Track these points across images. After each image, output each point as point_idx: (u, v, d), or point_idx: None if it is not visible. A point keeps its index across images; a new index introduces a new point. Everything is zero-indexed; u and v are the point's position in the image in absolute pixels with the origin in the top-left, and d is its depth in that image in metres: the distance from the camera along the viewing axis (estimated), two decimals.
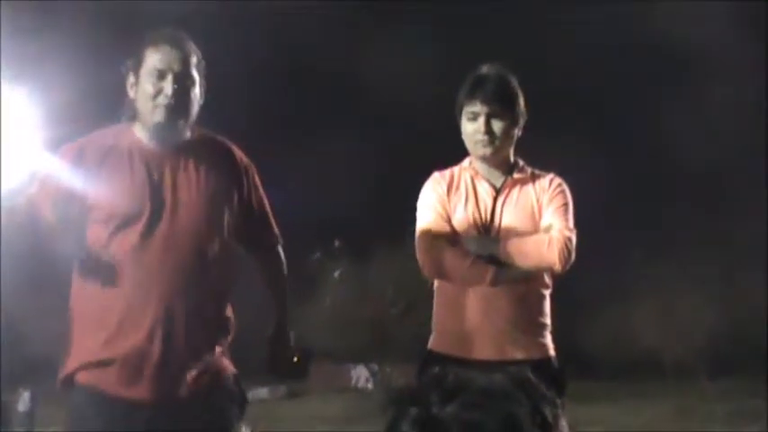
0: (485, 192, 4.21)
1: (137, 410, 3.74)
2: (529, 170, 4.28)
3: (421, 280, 4.43)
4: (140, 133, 3.88)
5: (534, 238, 4.14)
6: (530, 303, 4.18)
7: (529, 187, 4.23)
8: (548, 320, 4.24)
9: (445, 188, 4.23)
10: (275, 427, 30.23)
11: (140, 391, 3.75)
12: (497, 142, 4.16)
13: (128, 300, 3.75)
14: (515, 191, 4.22)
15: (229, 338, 4.02)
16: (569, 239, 4.13)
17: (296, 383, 45.43)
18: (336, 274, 42.59)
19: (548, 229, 4.15)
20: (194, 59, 3.88)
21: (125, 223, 3.76)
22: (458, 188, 4.23)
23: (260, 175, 4.11)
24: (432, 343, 4.27)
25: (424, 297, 4.56)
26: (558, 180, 4.28)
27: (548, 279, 4.24)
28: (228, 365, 3.97)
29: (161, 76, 3.80)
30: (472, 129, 4.17)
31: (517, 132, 4.24)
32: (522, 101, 4.25)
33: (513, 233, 4.15)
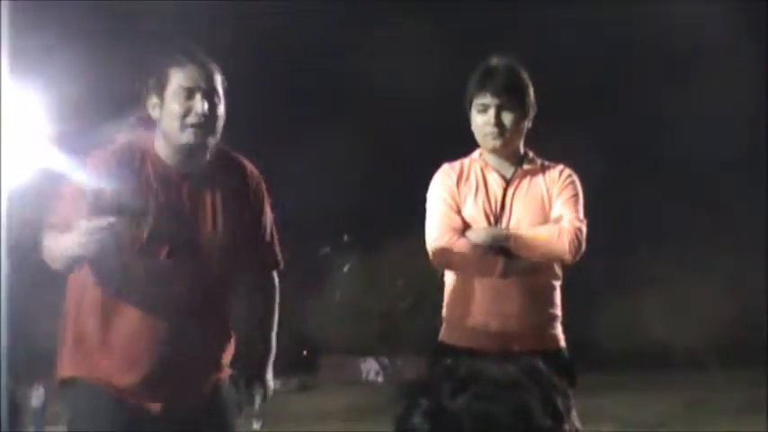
0: (495, 183, 4.20)
1: (143, 414, 3.76)
2: (539, 161, 4.27)
3: (431, 272, 4.42)
4: (162, 150, 3.82)
5: (544, 228, 4.13)
6: (540, 294, 4.17)
7: (539, 178, 4.22)
8: (558, 311, 4.23)
9: (455, 180, 4.22)
10: (286, 419, 30.27)
11: (148, 396, 3.77)
12: (507, 134, 4.15)
13: (139, 309, 3.75)
14: (525, 182, 4.21)
15: (232, 350, 4.05)
16: (579, 230, 4.12)
17: (307, 376, 45.56)
18: (346, 268, 42.64)
19: (558, 220, 4.14)
20: (219, 77, 3.82)
21: (144, 240, 3.72)
22: (468, 180, 4.22)
23: (269, 183, 4.09)
24: (442, 335, 4.26)
25: (434, 289, 4.56)
26: (568, 171, 4.27)
27: (558, 270, 4.23)
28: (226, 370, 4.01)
29: (189, 95, 3.73)
30: (482, 121, 4.15)
31: (527, 124, 4.23)
32: (532, 92, 4.24)
33: (523, 224, 4.14)
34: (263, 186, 4.04)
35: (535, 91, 4.27)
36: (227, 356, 4.01)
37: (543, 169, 4.25)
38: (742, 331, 38.28)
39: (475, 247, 4.10)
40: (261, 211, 4.02)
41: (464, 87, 4.24)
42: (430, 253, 4.19)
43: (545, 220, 4.17)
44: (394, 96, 49.76)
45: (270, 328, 4.10)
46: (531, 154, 4.29)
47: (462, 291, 4.18)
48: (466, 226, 4.16)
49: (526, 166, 4.23)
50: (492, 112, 4.12)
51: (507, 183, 4.20)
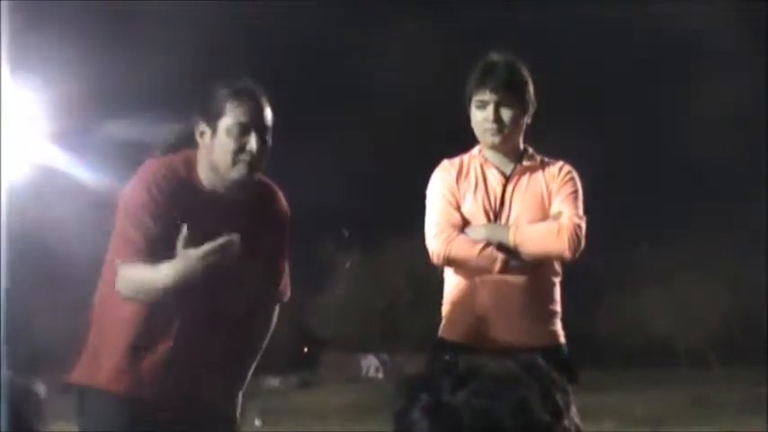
0: (494, 179, 4.20)
1: (159, 415, 3.80)
2: (538, 158, 4.27)
3: (431, 269, 4.42)
4: (205, 175, 3.85)
5: (544, 225, 4.13)
6: (540, 291, 4.18)
7: (538, 175, 4.22)
8: (558, 308, 4.24)
9: (455, 176, 4.22)
10: (286, 416, 30.29)
11: (165, 397, 3.81)
12: (506, 131, 4.15)
13: (168, 326, 3.80)
14: (525, 178, 4.21)
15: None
16: (579, 227, 4.12)
17: (307, 373, 45.60)
18: (346, 264, 42.66)
19: (557, 217, 4.14)
20: (271, 115, 3.85)
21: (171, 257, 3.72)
22: (467, 176, 4.22)
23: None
24: (442, 331, 4.27)
25: (434, 286, 4.56)
26: (567, 167, 4.27)
27: (558, 267, 4.24)
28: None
29: (245, 131, 3.75)
30: (481, 117, 4.15)
31: (527, 120, 4.23)
32: (531, 88, 4.24)
33: (522, 220, 4.14)
34: (288, 219, 4.10)
35: (537, 88, 4.27)
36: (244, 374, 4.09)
37: (543, 165, 4.25)
38: (743, 329, 38.33)
39: (474, 243, 4.10)
40: (281, 244, 4.08)
41: (464, 84, 4.24)
42: (429, 249, 4.19)
43: (544, 216, 4.17)
44: (394, 93, 49.78)
45: (249, 364, 4.12)
46: (530, 150, 4.29)
47: (462, 287, 4.19)
48: (465, 222, 4.16)
49: (526, 163, 4.23)
50: (491, 108, 4.11)
51: (507, 179, 4.20)
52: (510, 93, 4.12)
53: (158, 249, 3.69)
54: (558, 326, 4.24)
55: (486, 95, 4.11)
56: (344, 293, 43.02)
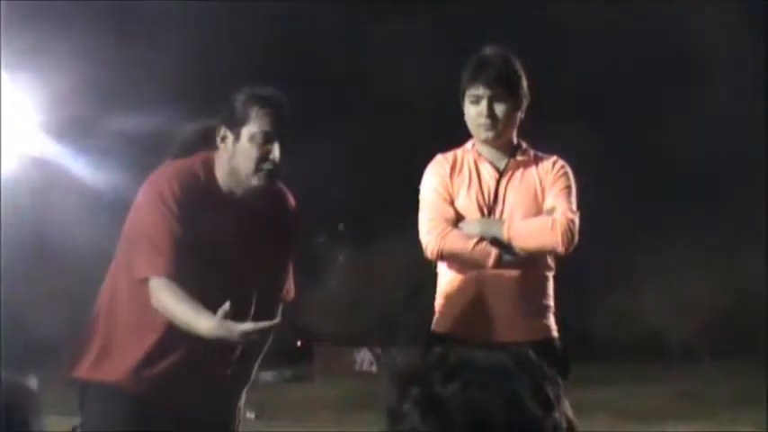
0: (488, 174, 4.20)
1: (167, 413, 3.84)
2: (532, 152, 4.27)
3: (425, 263, 4.42)
4: (223, 179, 3.88)
5: (537, 220, 4.14)
6: (533, 285, 4.18)
7: (532, 169, 4.23)
8: (551, 302, 4.24)
9: (448, 170, 4.22)
10: (280, 410, 30.31)
11: (174, 397, 3.85)
12: (500, 126, 4.15)
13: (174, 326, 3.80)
14: (518, 173, 4.22)
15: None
16: (572, 222, 4.12)
17: (301, 367, 45.59)
18: (341, 258, 42.64)
19: (551, 212, 4.14)
20: (289, 121, 3.88)
21: (197, 259, 3.76)
22: (461, 171, 4.22)
23: None
24: (435, 324, 4.27)
25: (428, 280, 4.56)
26: (561, 162, 4.27)
27: (551, 261, 4.24)
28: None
29: (268, 140, 3.78)
30: (475, 112, 4.15)
31: (520, 115, 4.23)
32: (525, 83, 4.24)
33: (516, 215, 4.14)
34: (299, 223, 4.17)
35: (537, 87, 4.27)
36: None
37: (536, 160, 4.25)
38: (737, 323, 38.34)
39: (468, 238, 4.11)
40: (290, 247, 4.15)
41: (459, 79, 4.24)
42: (423, 244, 4.19)
43: (538, 211, 4.17)
44: (388, 89, 49.76)
45: (255, 363, 4.17)
46: (524, 145, 4.29)
47: (455, 281, 4.19)
48: (459, 217, 4.16)
49: (519, 157, 4.23)
50: (484, 103, 4.11)
51: (500, 174, 4.20)
52: (503, 88, 4.12)
53: (185, 257, 3.72)
54: (551, 320, 4.24)
55: (480, 90, 4.11)
56: (338, 287, 42.98)
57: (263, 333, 3.68)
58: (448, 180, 4.20)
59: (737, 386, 30.41)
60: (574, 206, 4.19)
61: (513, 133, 4.25)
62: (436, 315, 4.28)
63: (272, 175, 3.82)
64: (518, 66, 4.23)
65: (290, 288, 4.18)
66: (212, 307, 3.63)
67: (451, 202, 4.18)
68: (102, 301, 3.96)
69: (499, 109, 4.12)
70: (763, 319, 36.00)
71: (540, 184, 4.21)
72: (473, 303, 4.13)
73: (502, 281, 4.11)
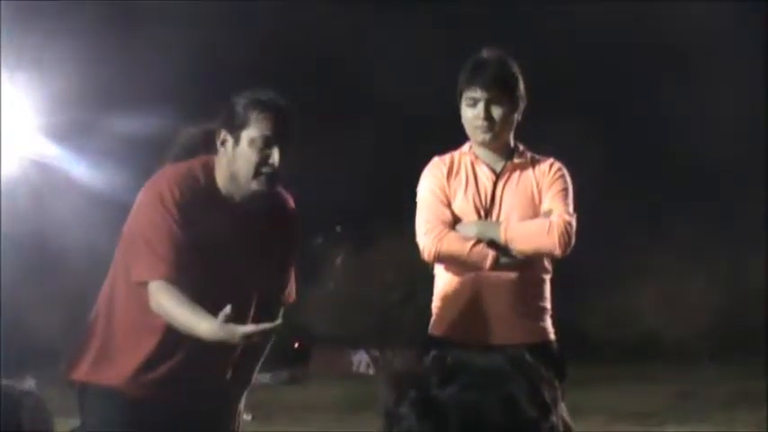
0: (485, 176, 4.21)
1: (166, 415, 3.84)
2: (529, 155, 4.28)
3: (422, 265, 4.43)
4: (223, 183, 3.87)
5: (534, 222, 4.14)
6: (530, 287, 4.19)
7: (529, 172, 4.23)
8: (548, 304, 4.25)
9: (445, 173, 4.22)
10: (276, 412, 30.28)
11: (174, 400, 3.85)
12: (497, 128, 4.15)
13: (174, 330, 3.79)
14: (515, 175, 4.22)
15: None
16: (569, 224, 4.13)
17: (298, 369, 45.56)
18: (338, 259, 42.58)
19: (548, 214, 4.15)
20: (294, 126, 3.88)
21: (196, 262, 3.76)
22: (458, 173, 4.23)
23: None
24: (432, 327, 4.28)
25: (425, 282, 4.57)
26: (557, 164, 4.28)
27: (548, 263, 4.25)
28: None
29: (268, 144, 3.77)
30: (472, 114, 4.16)
31: (517, 117, 4.24)
32: (522, 85, 4.24)
33: (513, 217, 4.15)
34: (299, 226, 4.16)
35: (536, 88, 4.27)
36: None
37: (533, 162, 4.26)
38: (735, 324, 38.35)
39: (465, 240, 4.12)
40: (291, 251, 4.14)
41: (456, 81, 4.25)
42: (420, 246, 4.19)
43: (535, 213, 4.17)
44: (387, 90, 49.74)
45: (255, 366, 4.17)
46: (521, 147, 4.29)
47: (452, 284, 4.20)
48: (456, 219, 4.17)
49: (516, 160, 4.24)
50: (481, 105, 4.12)
51: (497, 176, 4.21)
52: (500, 90, 4.13)
53: (185, 261, 3.72)
54: (548, 322, 4.25)
55: (477, 93, 4.12)
56: (336, 289, 42.93)
57: (264, 335, 3.67)
58: (445, 182, 4.21)
59: (736, 387, 30.40)
60: (570, 208, 4.20)
61: (510, 135, 4.25)
62: (433, 317, 4.29)
63: (271, 180, 3.81)
64: (515, 68, 4.24)
65: (290, 290, 4.17)
66: (212, 310, 3.61)
67: (449, 205, 4.19)
68: (101, 302, 3.95)
69: (496, 111, 4.13)
70: (762, 319, 36.02)
71: (537, 186, 4.21)
72: (470, 305, 4.13)
73: (499, 283, 4.12)
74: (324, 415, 31.13)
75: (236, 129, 3.79)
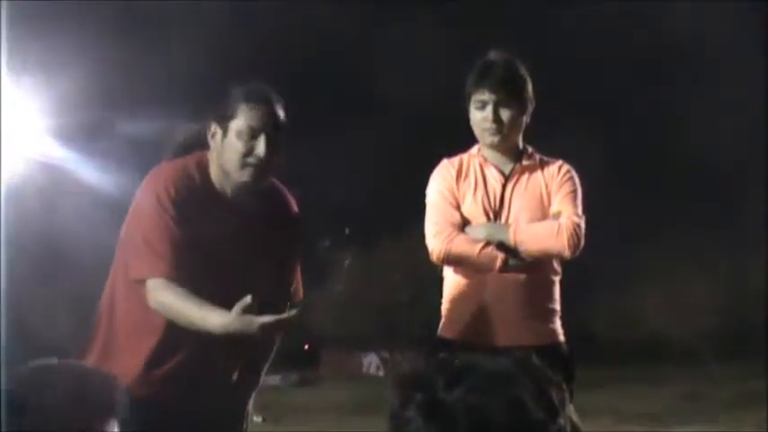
0: (494, 178, 4.20)
1: (171, 416, 3.82)
2: (537, 157, 4.27)
3: (431, 267, 4.42)
4: (216, 178, 3.86)
5: (543, 224, 4.14)
6: (539, 289, 4.18)
7: (538, 174, 4.23)
8: (557, 306, 4.24)
9: (454, 175, 4.22)
10: (286, 413, 30.32)
11: (179, 400, 3.83)
12: (505, 130, 4.15)
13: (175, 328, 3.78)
14: (524, 177, 4.22)
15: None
16: (578, 226, 4.12)
17: (307, 371, 45.58)
18: (346, 262, 42.65)
19: (557, 216, 4.14)
20: (284, 121, 3.86)
21: (195, 261, 3.75)
22: (467, 175, 4.22)
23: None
24: (441, 329, 4.27)
25: (434, 284, 4.56)
26: (566, 167, 4.27)
27: (557, 265, 4.24)
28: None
29: (254, 135, 3.76)
30: (480, 117, 4.16)
31: (525, 119, 4.24)
32: (530, 87, 4.24)
33: (522, 219, 4.14)
34: (299, 223, 4.13)
35: (538, 88, 4.27)
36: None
37: (542, 165, 4.25)
38: (740, 325, 38.30)
39: (474, 242, 4.11)
40: (293, 247, 4.12)
41: (464, 83, 4.24)
42: (429, 248, 4.19)
43: (544, 215, 4.17)
44: (394, 91, 49.78)
45: (264, 365, 4.14)
46: (530, 149, 4.29)
47: (461, 286, 4.19)
48: (465, 222, 4.17)
49: (525, 162, 4.23)
50: (490, 108, 4.12)
51: (506, 178, 4.20)
52: (509, 92, 4.12)
53: (183, 258, 3.71)
54: (558, 324, 4.24)
55: (485, 95, 4.11)
56: (345, 291, 42.93)
57: (281, 326, 3.66)
58: (454, 184, 4.21)
59: (743, 387, 30.38)
60: (579, 210, 4.19)
61: (518, 138, 4.25)
62: (443, 320, 4.28)
63: (258, 171, 3.79)
64: (523, 70, 4.23)
65: (297, 290, 4.16)
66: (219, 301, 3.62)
67: (458, 207, 4.18)
68: (103, 302, 3.95)
69: (504, 114, 4.13)
70: (764, 319, 35.98)
71: (546, 188, 4.21)
72: (479, 307, 4.13)
73: (508, 285, 4.11)
74: (334, 417, 31.15)
75: (224, 120, 3.79)
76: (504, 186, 4.20)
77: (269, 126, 3.78)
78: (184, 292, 3.66)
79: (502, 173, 4.22)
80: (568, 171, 4.25)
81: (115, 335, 3.89)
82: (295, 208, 4.11)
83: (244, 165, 3.77)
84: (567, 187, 4.20)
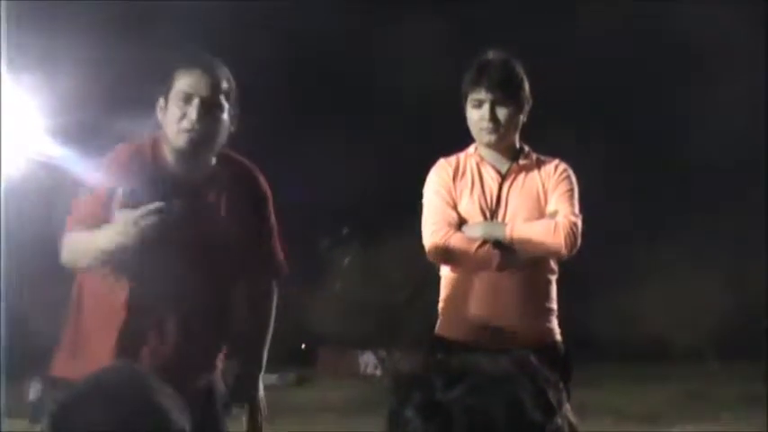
0: (490, 178, 4.21)
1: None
2: (534, 156, 4.29)
3: (428, 266, 4.43)
4: (167, 154, 3.82)
5: (540, 223, 4.15)
6: (536, 288, 4.19)
7: (534, 173, 4.24)
8: (554, 305, 4.25)
9: (451, 174, 4.23)
10: (283, 413, 30.27)
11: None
12: (502, 129, 4.16)
13: (139, 310, 3.76)
14: (521, 176, 4.23)
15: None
16: (575, 225, 4.13)
17: (305, 370, 45.56)
18: (345, 261, 42.55)
19: (553, 215, 4.15)
20: (225, 86, 3.79)
21: (145, 243, 3.68)
22: (464, 174, 4.23)
23: (270, 177, 4.07)
24: (438, 328, 4.28)
25: (432, 284, 4.57)
26: (563, 165, 4.28)
27: (554, 264, 4.25)
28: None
29: (187, 99, 3.71)
30: (477, 116, 4.17)
31: (522, 118, 4.24)
32: (527, 86, 4.25)
33: (518, 219, 4.15)
34: (268, 193, 4.04)
35: (537, 88, 4.28)
36: (220, 358, 4.02)
37: (539, 164, 4.26)
38: (741, 323, 38.32)
39: (471, 241, 4.12)
40: (263, 218, 4.02)
41: (461, 82, 4.25)
42: (427, 247, 4.20)
43: (540, 214, 4.18)
44: (392, 91, 49.79)
45: (261, 344, 4.08)
46: (526, 148, 4.30)
47: (458, 285, 4.20)
48: (462, 220, 4.17)
49: (522, 161, 4.24)
50: (486, 107, 4.13)
51: (503, 177, 4.21)
52: (505, 92, 4.13)
53: (104, 217, 3.65)
54: (555, 323, 4.25)
55: (482, 94, 4.12)
56: (343, 290, 42.91)
57: (156, 215, 3.53)
58: (451, 183, 4.21)
59: (741, 387, 30.35)
60: (576, 209, 4.20)
61: (515, 137, 4.26)
62: (440, 319, 4.29)
63: (193, 137, 3.72)
64: (520, 69, 4.24)
65: (278, 265, 4.09)
66: (184, 290, 3.65)
67: (454, 206, 4.19)
68: (73, 294, 3.92)
69: (501, 113, 4.14)
70: (764, 318, 35.99)
71: (543, 187, 4.22)
72: (477, 307, 4.13)
73: (505, 284, 4.12)
74: (331, 416, 31.11)
75: (166, 93, 3.77)
76: (500, 185, 4.21)
77: (203, 90, 3.72)
78: (83, 231, 3.66)
79: (499, 172, 4.23)
80: (565, 170, 4.26)
81: (82, 325, 3.85)
82: (259, 180, 4.01)
83: (179, 131, 3.72)
84: (564, 186, 4.21)
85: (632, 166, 53.05)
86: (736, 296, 39.05)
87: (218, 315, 3.92)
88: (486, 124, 4.14)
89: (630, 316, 40.89)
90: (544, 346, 4.06)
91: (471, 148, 4.28)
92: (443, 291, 4.30)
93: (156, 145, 3.84)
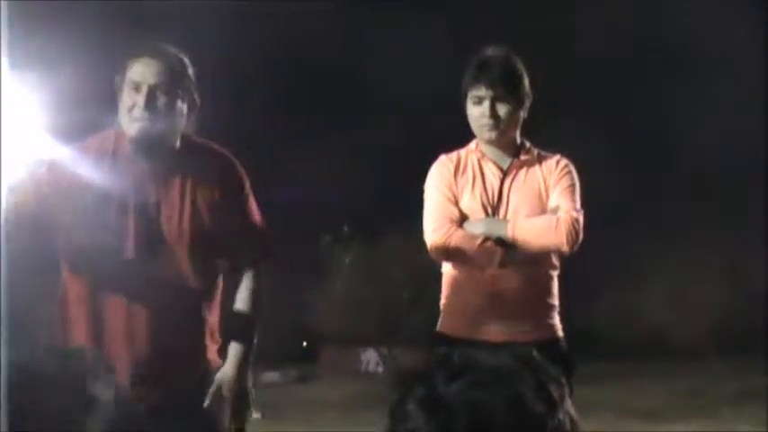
0: (491, 174, 4.21)
1: (127, 410, 3.74)
2: (535, 151, 4.28)
3: (430, 263, 4.43)
4: (128, 147, 3.79)
5: (542, 219, 4.15)
6: (538, 284, 4.19)
7: (536, 168, 4.24)
8: (556, 301, 4.25)
9: (452, 170, 4.23)
10: (285, 410, 30.28)
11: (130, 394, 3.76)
12: (503, 126, 4.16)
13: (113, 307, 3.75)
14: (522, 172, 4.23)
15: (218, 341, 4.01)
16: (577, 220, 4.13)
17: (306, 367, 45.58)
18: (346, 259, 42.58)
19: (555, 211, 4.16)
20: (176, 72, 3.75)
21: (112, 236, 3.71)
22: (465, 170, 4.23)
23: (271, 177, 4.05)
24: (440, 325, 4.28)
25: (433, 280, 4.57)
26: (564, 161, 4.28)
27: (555, 260, 4.25)
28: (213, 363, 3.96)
29: (137, 88, 3.68)
30: (477, 113, 4.17)
31: (523, 114, 4.25)
32: (527, 82, 4.25)
33: (520, 214, 4.16)
34: (241, 173, 3.94)
35: (537, 87, 4.28)
36: (212, 351, 3.97)
37: (540, 159, 4.26)
38: (741, 321, 38.31)
39: (473, 237, 4.12)
40: (238, 200, 3.93)
41: (462, 79, 4.25)
42: (428, 244, 4.20)
43: (542, 210, 4.18)
44: (393, 88, 49.78)
45: (249, 330, 3.99)
46: (527, 144, 4.30)
47: (460, 281, 4.20)
48: (463, 217, 4.17)
49: (523, 157, 4.25)
50: (487, 103, 4.13)
51: (504, 173, 4.21)
52: (506, 88, 4.13)
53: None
54: (556, 319, 4.25)
55: (482, 91, 4.12)
56: (344, 288, 42.92)
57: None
58: (452, 180, 4.21)
59: (741, 384, 30.37)
60: (578, 205, 4.20)
61: (516, 133, 4.26)
62: (441, 316, 4.30)
63: (144, 125, 3.69)
64: (520, 65, 4.24)
65: (264, 248, 4.02)
66: (152, 280, 3.65)
67: (456, 203, 4.19)
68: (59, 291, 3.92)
69: (502, 109, 4.14)
70: (765, 316, 36.00)
71: (544, 183, 4.22)
72: (478, 303, 4.13)
73: (507, 280, 4.12)
74: (333, 413, 31.12)
75: (121, 83, 3.75)
76: (502, 181, 4.21)
77: (151, 79, 3.69)
78: None
79: (500, 168, 4.23)
80: (566, 165, 4.27)
81: (66, 318, 3.84)
82: (224, 160, 3.93)
83: (131, 119, 3.70)
84: (565, 181, 4.22)
85: (638, 166, 53.05)
86: (737, 294, 39.04)
87: (198, 303, 3.88)
88: (487, 121, 4.14)
89: (632, 313, 40.89)
90: (546, 341, 4.06)
91: (472, 144, 4.29)
92: (445, 288, 4.30)
93: (118, 137, 3.82)
